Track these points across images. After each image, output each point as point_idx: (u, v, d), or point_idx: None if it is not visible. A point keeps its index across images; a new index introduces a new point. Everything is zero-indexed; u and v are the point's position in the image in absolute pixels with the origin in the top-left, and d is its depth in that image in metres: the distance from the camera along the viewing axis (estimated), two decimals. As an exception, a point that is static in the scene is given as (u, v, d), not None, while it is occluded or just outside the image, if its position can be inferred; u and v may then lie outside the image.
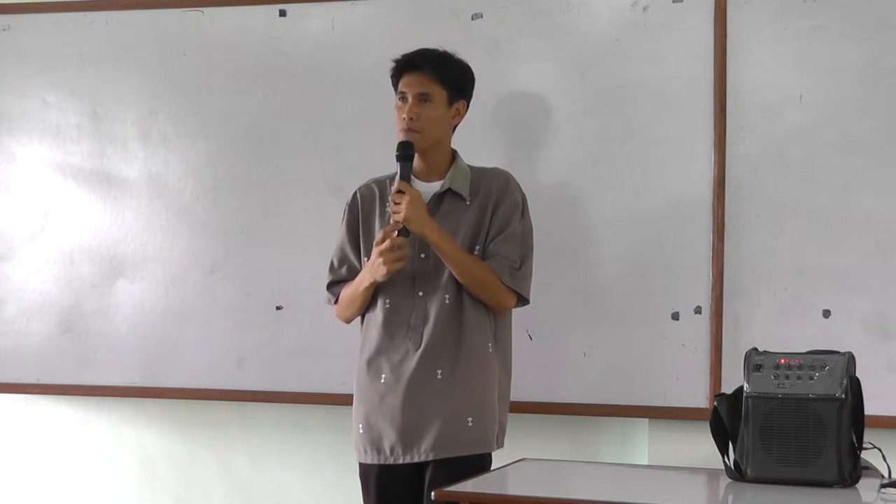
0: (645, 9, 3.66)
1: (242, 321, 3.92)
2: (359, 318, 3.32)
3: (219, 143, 3.97)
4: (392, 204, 3.14)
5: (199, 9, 3.97)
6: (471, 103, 3.31)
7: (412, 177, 3.21)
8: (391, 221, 3.16)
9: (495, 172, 3.30)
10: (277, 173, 3.92)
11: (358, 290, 3.23)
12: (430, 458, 3.13)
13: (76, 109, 4.07)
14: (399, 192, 3.13)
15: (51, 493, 4.25)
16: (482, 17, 3.77)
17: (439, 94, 3.21)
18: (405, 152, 3.18)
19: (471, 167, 3.30)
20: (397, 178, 3.18)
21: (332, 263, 3.35)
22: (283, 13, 3.92)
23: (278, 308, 3.88)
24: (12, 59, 4.11)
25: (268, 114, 3.93)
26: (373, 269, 3.15)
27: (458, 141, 3.33)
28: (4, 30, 4.12)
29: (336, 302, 3.34)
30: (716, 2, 3.60)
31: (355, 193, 3.34)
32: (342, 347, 3.50)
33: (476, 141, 3.56)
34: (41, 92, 4.10)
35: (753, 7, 3.59)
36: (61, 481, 4.24)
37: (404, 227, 3.12)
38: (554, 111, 3.71)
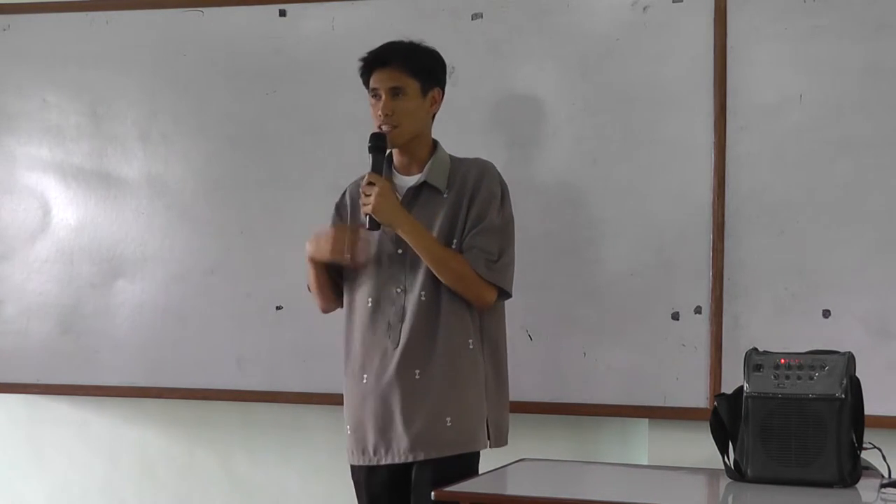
0: (645, 9, 3.66)
1: (242, 321, 3.92)
2: (343, 315, 3.28)
3: (219, 143, 3.97)
4: (362, 196, 3.10)
5: (199, 9, 3.97)
6: (468, 102, 3.29)
7: (393, 170, 3.18)
8: (362, 214, 3.12)
9: (473, 163, 3.21)
10: (277, 173, 3.92)
11: (309, 274, 3.23)
12: (410, 459, 3.10)
13: (76, 109, 4.07)
14: (370, 183, 3.09)
15: (51, 493, 4.25)
16: (482, 17, 3.77)
17: (412, 85, 3.14)
18: (377, 143, 3.13)
19: (452, 158, 3.23)
20: (370, 170, 3.13)
21: None
22: (283, 13, 3.92)
23: (278, 308, 3.88)
24: (12, 59, 4.11)
25: (268, 114, 3.93)
26: (315, 244, 3.16)
27: (459, 141, 3.32)
28: (4, 30, 4.12)
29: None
30: (716, 2, 3.59)
31: (344, 193, 3.31)
32: (342, 347, 3.50)
33: (476, 141, 3.56)
34: (41, 92, 4.10)
35: (753, 7, 3.58)
36: (62, 481, 4.24)
37: (373, 219, 3.08)
38: (554, 111, 3.71)
